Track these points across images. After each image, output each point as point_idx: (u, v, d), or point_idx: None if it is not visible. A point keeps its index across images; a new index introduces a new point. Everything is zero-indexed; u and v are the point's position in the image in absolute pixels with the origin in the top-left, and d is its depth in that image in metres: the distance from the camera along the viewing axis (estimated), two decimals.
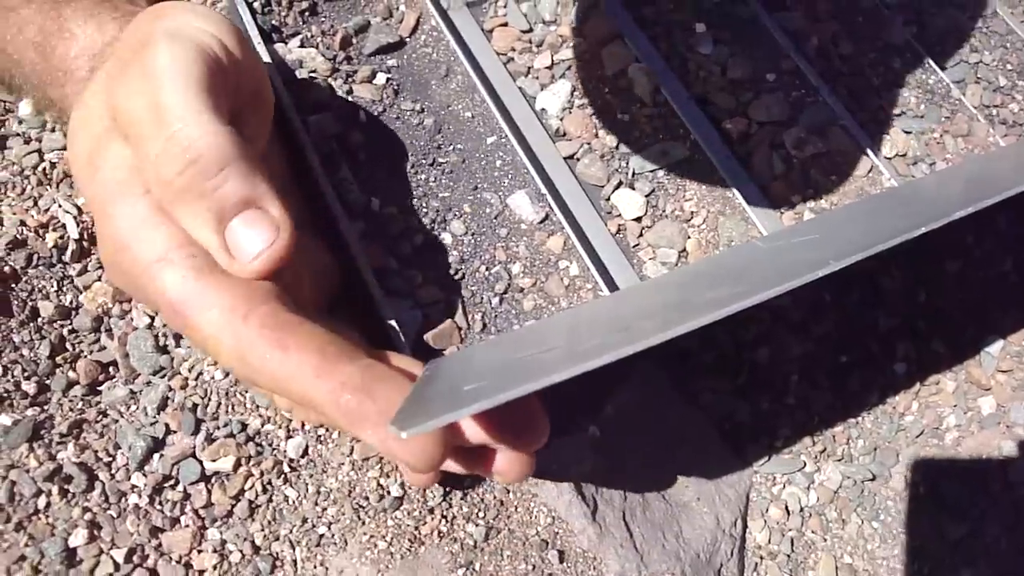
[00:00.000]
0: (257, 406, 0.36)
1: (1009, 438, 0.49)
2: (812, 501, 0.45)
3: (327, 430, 0.36)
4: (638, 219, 0.47)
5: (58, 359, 0.37)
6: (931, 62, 0.56)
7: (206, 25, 0.31)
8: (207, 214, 0.28)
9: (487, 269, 0.42)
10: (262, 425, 0.36)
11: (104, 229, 0.30)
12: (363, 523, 0.34)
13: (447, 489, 0.35)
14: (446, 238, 0.42)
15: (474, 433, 0.30)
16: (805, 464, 0.46)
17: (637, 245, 0.47)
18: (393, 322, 0.37)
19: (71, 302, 0.38)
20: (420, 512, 0.35)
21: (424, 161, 0.44)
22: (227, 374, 0.36)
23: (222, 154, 0.28)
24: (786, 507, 0.44)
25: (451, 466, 0.32)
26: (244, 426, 0.35)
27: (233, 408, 0.36)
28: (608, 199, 0.47)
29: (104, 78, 0.30)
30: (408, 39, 0.48)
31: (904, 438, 0.48)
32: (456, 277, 0.41)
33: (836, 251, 0.30)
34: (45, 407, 0.36)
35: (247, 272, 0.28)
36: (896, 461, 0.47)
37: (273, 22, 0.46)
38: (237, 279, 0.28)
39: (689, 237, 0.47)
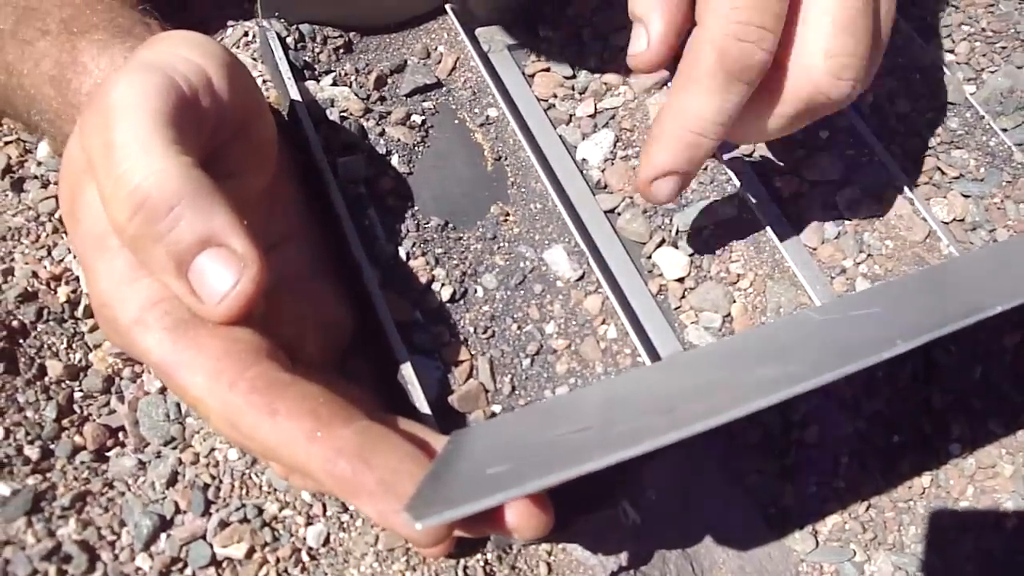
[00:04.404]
0: (274, 489, 0.33)
1: None
2: None
3: (351, 516, 0.33)
4: (681, 280, 0.44)
5: (64, 422, 0.34)
6: (992, 123, 0.53)
7: (189, 53, 0.29)
8: (165, 259, 0.26)
9: (519, 328, 0.39)
10: (280, 510, 0.33)
11: (89, 286, 0.28)
12: None
13: None
14: (477, 292, 0.40)
15: None
16: (855, 553, 0.43)
17: (679, 307, 0.44)
18: (414, 381, 0.34)
19: (80, 361, 0.36)
20: None
21: (457, 209, 0.41)
22: (241, 454, 0.34)
23: (172, 191, 0.25)
24: None
25: (456, 533, 0.29)
26: (260, 511, 0.33)
27: (248, 492, 0.33)
28: (650, 257, 0.45)
29: (80, 118, 0.28)
30: (445, 81, 0.46)
31: (960, 526, 0.45)
32: (485, 336, 0.39)
33: (902, 329, 0.27)
34: (48, 475, 0.34)
35: (217, 316, 0.26)
36: (950, 550, 0.44)
37: (306, 58, 0.44)
38: (221, 336, 0.26)
39: (735, 301, 0.45)
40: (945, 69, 0.54)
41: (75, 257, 0.37)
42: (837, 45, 0.31)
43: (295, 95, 0.40)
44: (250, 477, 0.33)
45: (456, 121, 0.44)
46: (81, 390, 0.35)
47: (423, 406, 0.33)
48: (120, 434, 0.35)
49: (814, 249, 0.46)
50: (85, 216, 0.28)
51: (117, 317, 0.27)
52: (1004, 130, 0.53)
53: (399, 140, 0.42)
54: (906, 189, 0.48)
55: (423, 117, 0.44)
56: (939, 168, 0.50)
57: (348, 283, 0.36)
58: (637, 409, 0.29)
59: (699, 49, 0.32)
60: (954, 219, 0.49)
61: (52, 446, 0.34)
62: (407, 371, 0.34)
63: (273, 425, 0.25)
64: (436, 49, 0.47)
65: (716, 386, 0.28)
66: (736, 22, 0.30)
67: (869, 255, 0.46)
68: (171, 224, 0.25)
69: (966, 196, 0.50)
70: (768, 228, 0.46)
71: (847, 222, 0.47)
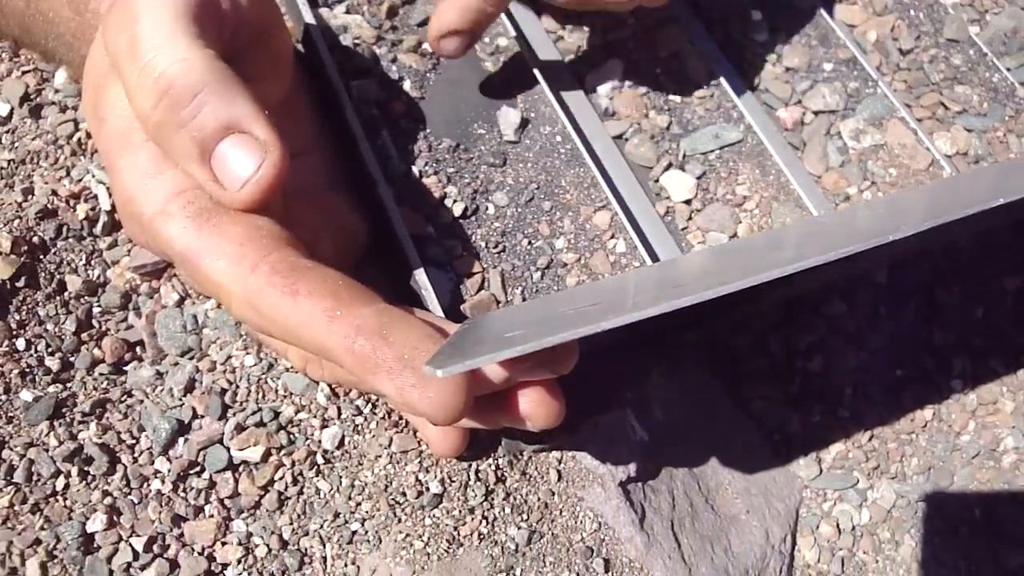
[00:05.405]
0: (290, 393, 0.34)
1: None
2: (864, 520, 0.42)
3: (365, 419, 0.34)
4: (688, 202, 0.45)
5: (83, 335, 0.35)
6: (994, 60, 0.53)
7: None
8: (189, 145, 0.26)
9: (529, 243, 0.40)
10: (295, 413, 0.34)
11: (113, 183, 0.29)
12: (399, 520, 0.32)
13: (489, 488, 0.33)
14: (488, 209, 0.40)
15: (495, 372, 0.27)
16: (858, 480, 0.43)
17: (686, 228, 0.45)
18: (428, 286, 0.35)
19: (99, 277, 0.36)
20: (460, 511, 0.33)
21: (466, 132, 0.42)
22: (258, 360, 0.34)
23: (195, 79, 0.26)
24: (837, 525, 0.42)
25: (468, 422, 0.30)
26: (276, 414, 0.33)
27: (264, 396, 0.34)
28: (657, 180, 0.45)
29: (103, 21, 0.29)
30: None
31: (959, 458, 0.46)
32: (497, 250, 0.39)
33: (906, 221, 0.27)
34: (68, 384, 0.34)
35: (239, 202, 0.27)
36: (951, 482, 0.45)
37: None
38: (243, 224, 0.27)
39: (740, 222, 0.45)
40: (948, 9, 0.55)
41: (93, 176, 0.37)
42: None
43: (309, 18, 0.41)
44: (266, 382, 0.34)
45: None
46: (99, 305, 0.36)
47: (436, 310, 0.34)
48: (138, 348, 0.36)
49: (819, 177, 0.47)
50: (109, 114, 0.29)
51: (141, 210, 0.27)
52: (1008, 69, 0.53)
53: (411, 67, 0.43)
54: (909, 120, 0.49)
55: None
56: (942, 103, 0.51)
57: (361, 198, 0.37)
58: (648, 288, 0.29)
59: None
60: (957, 152, 0.49)
61: (72, 358, 0.35)
62: (421, 277, 0.35)
63: (294, 305, 0.25)
64: None
65: (728, 268, 0.29)
66: None
67: (873, 182, 0.47)
68: (195, 110, 0.26)
69: (969, 130, 0.50)
70: (773, 153, 0.47)
71: (851, 151, 0.48)
